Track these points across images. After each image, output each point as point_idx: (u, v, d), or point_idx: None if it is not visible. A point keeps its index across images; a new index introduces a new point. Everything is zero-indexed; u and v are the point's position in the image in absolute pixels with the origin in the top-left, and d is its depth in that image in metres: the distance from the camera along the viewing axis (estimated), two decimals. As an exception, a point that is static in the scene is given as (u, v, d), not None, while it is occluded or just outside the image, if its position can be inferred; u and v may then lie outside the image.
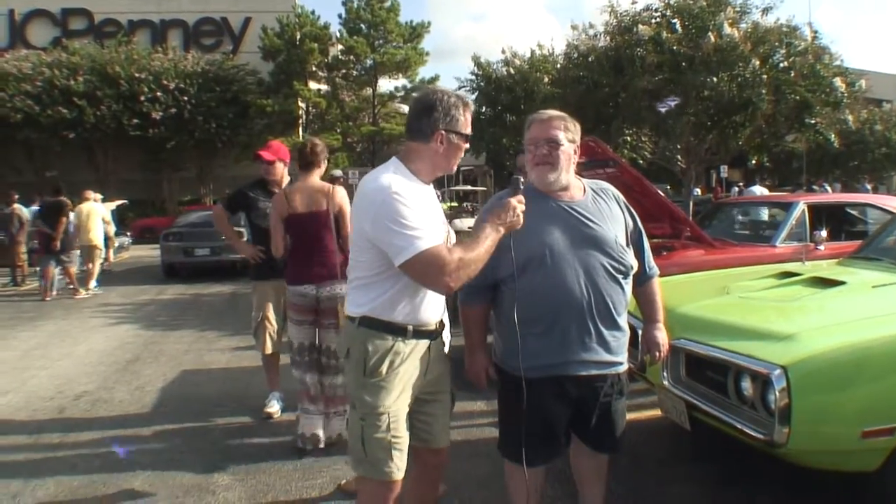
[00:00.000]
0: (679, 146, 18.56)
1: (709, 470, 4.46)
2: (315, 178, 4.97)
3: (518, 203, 2.81)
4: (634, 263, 3.20)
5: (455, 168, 2.98)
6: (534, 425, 3.03)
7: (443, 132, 2.80)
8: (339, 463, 4.63)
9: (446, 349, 3.18)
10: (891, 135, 34.90)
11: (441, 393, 3.07)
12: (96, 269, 14.51)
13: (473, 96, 27.11)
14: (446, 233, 2.90)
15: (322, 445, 4.86)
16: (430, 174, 2.88)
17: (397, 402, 2.80)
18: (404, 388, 2.83)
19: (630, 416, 5.29)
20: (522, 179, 2.91)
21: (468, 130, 2.88)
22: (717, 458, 4.58)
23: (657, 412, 4.62)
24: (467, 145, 2.94)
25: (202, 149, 33.64)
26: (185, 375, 7.22)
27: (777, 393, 3.17)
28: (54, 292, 13.54)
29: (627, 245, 3.19)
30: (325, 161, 5.07)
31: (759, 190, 19.61)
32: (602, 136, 14.44)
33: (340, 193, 4.92)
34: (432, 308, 2.89)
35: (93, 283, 14.29)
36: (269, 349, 5.60)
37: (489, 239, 2.73)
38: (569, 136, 3.06)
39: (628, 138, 18.54)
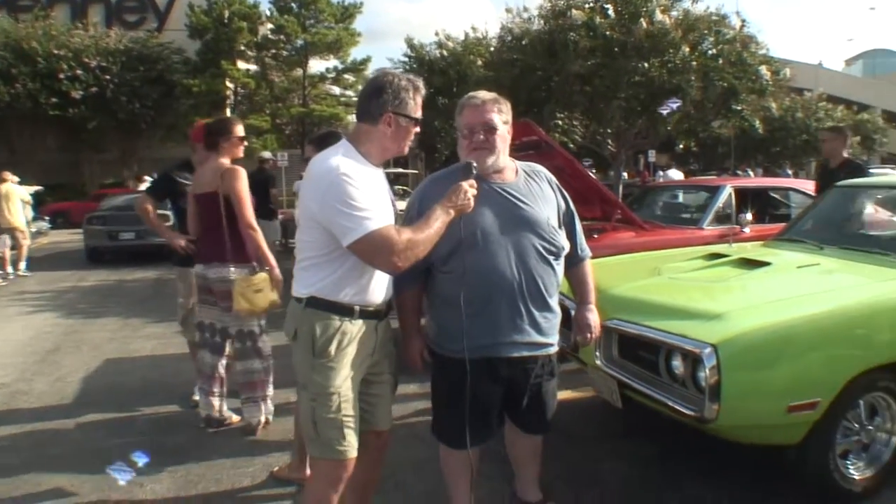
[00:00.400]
0: (610, 130, 18.79)
1: (640, 447, 4.54)
2: (217, 158, 4.81)
3: (470, 187, 2.83)
4: (566, 244, 3.22)
5: (406, 151, 2.98)
6: (467, 407, 3.03)
7: (391, 114, 2.79)
8: (271, 450, 4.58)
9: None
10: (811, 122, 35.99)
11: (385, 374, 3.07)
12: (24, 252, 14.16)
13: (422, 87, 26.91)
14: (395, 216, 2.89)
15: (220, 427, 4.87)
16: (379, 156, 2.88)
17: (347, 382, 2.80)
18: (353, 369, 2.83)
19: (563, 395, 5.35)
20: (475, 164, 2.92)
21: (418, 114, 2.87)
22: (648, 434, 4.66)
23: (590, 391, 4.67)
24: (418, 129, 2.92)
25: (125, 130, 32.29)
26: (108, 365, 6.99)
27: (707, 371, 3.24)
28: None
29: (559, 227, 3.21)
30: (232, 142, 4.87)
31: (675, 174, 20.01)
32: (534, 119, 14.44)
33: (232, 175, 4.71)
34: (379, 289, 2.88)
35: (22, 265, 14.02)
36: (196, 336, 5.47)
37: (439, 221, 2.75)
38: (503, 118, 3.07)
39: (560, 122, 18.65)
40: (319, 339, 2.76)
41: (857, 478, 3.71)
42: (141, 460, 4.16)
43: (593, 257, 4.02)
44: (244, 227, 4.66)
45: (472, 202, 2.83)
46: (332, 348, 2.77)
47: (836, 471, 3.62)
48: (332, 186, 2.61)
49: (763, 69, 17.34)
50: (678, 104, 15.87)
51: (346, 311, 2.79)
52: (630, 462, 4.31)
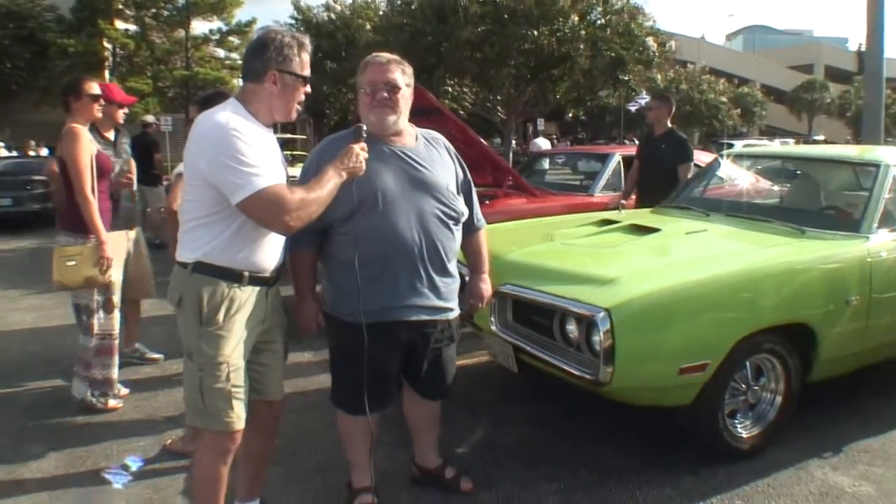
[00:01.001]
0: (500, 98, 18.89)
1: (536, 411, 4.54)
2: (69, 121, 4.51)
3: (361, 150, 2.77)
4: (465, 211, 3.22)
5: (295, 113, 2.85)
6: (365, 373, 2.98)
7: (275, 72, 2.69)
8: (163, 424, 4.38)
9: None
10: (694, 94, 37.23)
11: (275, 343, 2.96)
12: None
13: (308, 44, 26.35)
14: (284, 177, 2.76)
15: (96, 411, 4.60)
16: (268, 116, 2.76)
17: (235, 351, 2.69)
18: (242, 337, 2.71)
19: (459, 361, 5.34)
20: (365, 128, 2.86)
21: (306, 72, 2.77)
22: (543, 399, 4.67)
23: (485, 356, 4.65)
24: (307, 88, 2.82)
25: (-5, 92, 30.68)
26: (-16, 339, 6.55)
27: (601, 334, 3.26)
28: None
29: (458, 193, 3.20)
30: (83, 102, 4.52)
31: (543, 142, 20.36)
32: (424, 84, 14.36)
33: (67, 138, 4.42)
34: (269, 254, 2.76)
35: None
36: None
37: (331, 182, 2.68)
38: (406, 79, 3.04)
39: (450, 88, 18.62)
40: (207, 306, 2.63)
41: (744, 436, 3.82)
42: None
43: (487, 223, 3.96)
44: (76, 194, 4.37)
45: (363, 165, 2.78)
46: (221, 316, 2.64)
47: (725, 430, 3.72)
48: (221, 141, 2.49)
49: (650, 41, 17.75)
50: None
51: (234, 276, 2.66)
52: (527, 426, 4.31)
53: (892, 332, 4.25)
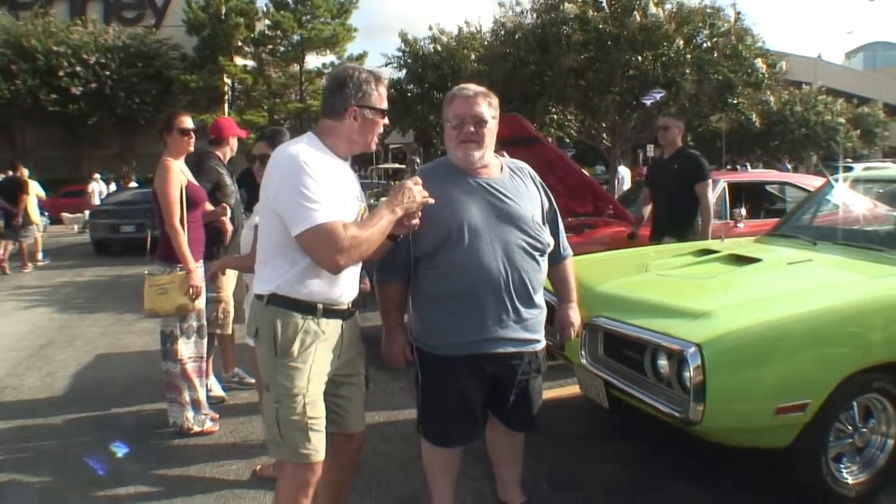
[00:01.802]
0: (604, 125, 18.70)
1: (627, 447, 4.43)
2: (165, 153, 4.71)
3: (414, 185, 2.76)
4: (551, 241, 3.19)
5: (373, 145, 2.91)
6: (452, 405, 3.00)
7: (355, 108, 2.74)
8: (255, 448, 4.47)
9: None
10: (809, 116, 35.91)
11: (355, 376, 2.99)
12: (40, 243, 15.06)
13: (401, 73, 26.82)
14: (361, 210, 2.82)
15: (194, 434, 4.74)
16: (346, 150, 2.82)
17: (312, 383, 2.71)
18: (318, 369, 2.74)
19: (549, 394, 5.24)
20: (418, 161, 2.83)
21: (383, 105, 2.82)
22: (635, 435, 4.55)
23: (576, 390, 4.56)
24: (385, 120, 2.87)
25: (124, 126, 32.44)
26: (99, 360, 6.93)
27: (692, 370, 3.13)
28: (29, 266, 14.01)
29: (543, 223, 3.17)
30: (174, 136, 4.69)
31: (624, 171, 19.90)
32: (528, 114, 14.42)
33: (158, 171, 4.62)
34: (344, 286, 2.80)
35: (40, 255, 14.93)
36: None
37: (384, 220, 2.67)
38: (492, 112, 3.04)
39: (554, 116, 18.55)
40: (281, 339, 2.67)
41: (850, 482, 3.58)
42: (120, 450, 4.07)
43: (585, 252, 3.93)
44: (165, 225, 4.55)
45: (417, 198, 2.74)
46: (295, 348, 2.67)
47: (828, 475, 3.49)
48: (290, 174, 2.56)
49: (759, 62, 17.25)
50: (662, 94, 15.78)
51: (308, 308, 2.70)
52: (616, 463, 4.20)
53: None
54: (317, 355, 2.72)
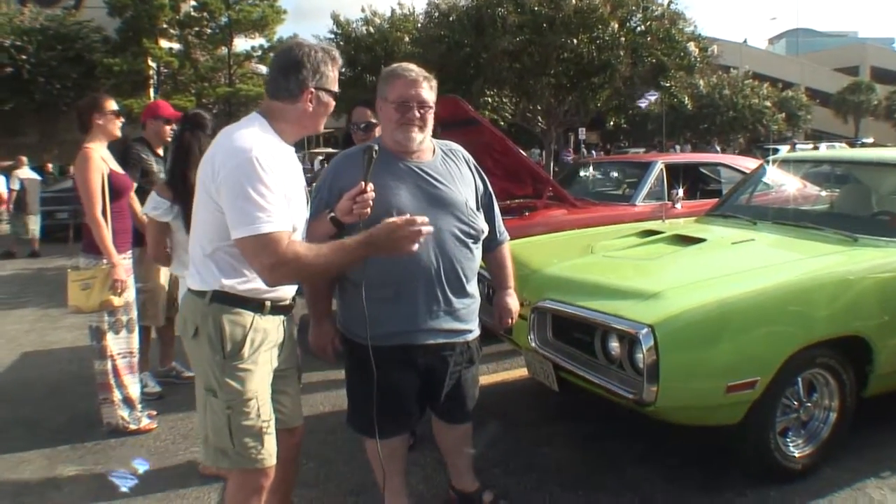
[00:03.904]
0: (539, 107, 18.75)
1: (578, 429, 4.42)
2: (87, 139, 4.46)
3: (407, 224, 2.49)
4: (485, 228, 3.09)
5: (322, 128, 2.75)
6: (383, 396, 2.86)
7: (313, 90, 2.55)
8: (197, 445, 4.28)
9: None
10: (738, 99, 36.73)
11: (290, 369, 2.86)
12: None
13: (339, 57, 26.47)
14: (304, 202, 2.67)
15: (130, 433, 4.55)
16: (295, 135, 2.65)
17: (262, 384, 2.58)
18: (267, 369, 2.61)
19: (497, 377, 5.27)
20: (377, 147, 2.67)
21: (336, 87, 2.65)
22: (584, 417, 4.55)
23: (524, 373, 4.56)
24: (334, 103, 2.71)
25: (43, 112, 31.03)
26: (25, 358, 6.62)
27: (645, 352, 3.14)
28: None
29: (478, 209, 3.08)
30: (107, 118, 4.48)
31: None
32: (463, 96, 14.33)
33: (77, 160, 4.38)
34: None
35: None
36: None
37: (348, 256, 2.46)
38: (433, 95, 2.94)
39: (489, 99, 18.52)
40: (230, 339, 2.49)
41: (796, 455, 3.66)
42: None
43: (525, 235, 3.87)
44: (87, 218, 4.32)
45: (406, 243, 2.49)
46: (246, 349, 2.52)
47: (776, 449, 3.56)
48: (240, 171, 2.33)
49: (691, 46, 17.50)
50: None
51: (257, 306, 2.55)
52: (566, 446, 4.19)
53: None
54: (265, 354, 2.59)
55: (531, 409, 4.86)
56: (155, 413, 4.76)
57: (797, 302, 3.50)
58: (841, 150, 13.73)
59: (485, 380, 5.16)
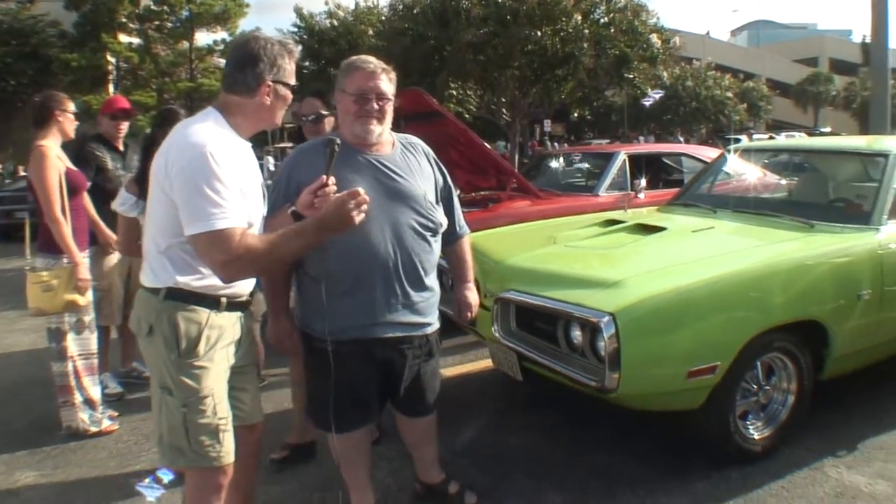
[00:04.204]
0: (504, 99, 18.80)
1: (544, 418, 4.45)
2: (40, 137, 4.38)
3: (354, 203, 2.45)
4: (444, 221, 3.09)
5: (280, 122, 2.73)
6: (341, 390, 2.88)
7: (270, 83, 2.52)
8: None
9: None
10: (700, 90, 37.10)
11: (249, 365, 2.82)
12: None
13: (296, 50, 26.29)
14: (260, 198, 2.63)
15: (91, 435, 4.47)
16: (251, 129, 2.61)
17: (219, 382, 2.55)
18: (224, 366, 2.58)
19: (461, 369, 5.29)
20: (339, 141, 2.64)
21: (294, 80, 2.63)
22: (551, 406, 4.58)
23: (489, 364, 4.59)
24: (291, 96, 2.69)
25: (-2, 109, 30.54)
26: (-20, 361, 6.46)
27: (606, 340, 3.17)
28: None
29: (437, 202, 3.08)
30: (66, 116, 4.43)
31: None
32: (427, 89, 14.31)
33: (32, 158, 4.31)
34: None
35: None
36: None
37: (299, 242, 2.45)
38: (392, 88, 2.93)
39: (454, 92, 18.53)
40: (185, 337, 2.46)
41: (756, 437, 3.74)
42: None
43: (490, 226, 3.87)
44: (46, 217, 4.23)
45: (354, 216, 2.43)
46: (202, 346, 2.48)
47: (736, 432, 3.63)
48: (194, 166, 2.30)
49: (654, 38, 17.64)
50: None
51: (212, 302, 2.51)
52: (534, 435, 4.22)
53: (905, 325, 4.14)
54: (221, 351, 2.56)
55: (496, 399, 4.88)
56: (116, 414, 4.70)
57: (755, 288, 3.56)
58: (799, 140, 13.93)
59: (450, 372, 5.22)
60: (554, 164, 9.66)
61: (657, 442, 4.04)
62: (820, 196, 5.19)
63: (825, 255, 3.88)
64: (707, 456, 3.75)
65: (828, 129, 43.56)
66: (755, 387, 3.73)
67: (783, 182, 5.93)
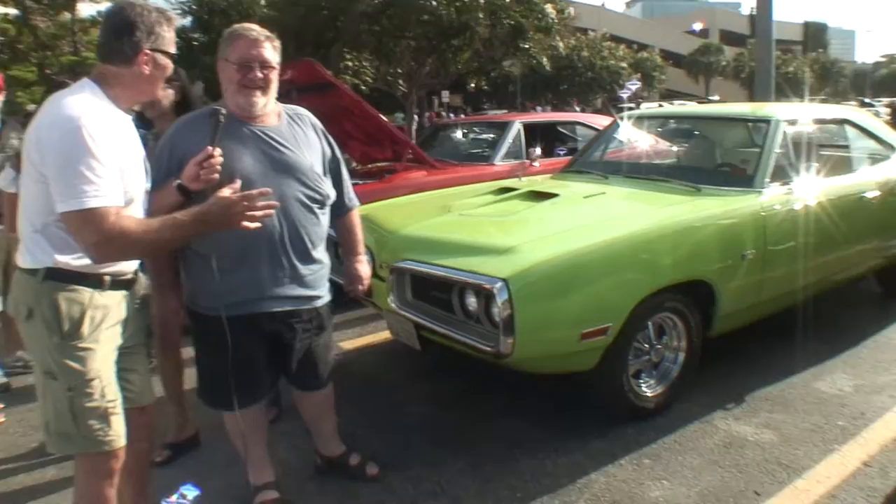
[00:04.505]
0: (400, 70, 18.68)
1: (444, 386, 4.47)
2: None
3: (240, 198, 2.42)
4: (332, 193, 3.03)
5: (159, 93, 2.66)
6: (230, 368, 2.81)
7: (148, 52, 2.40)
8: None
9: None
10: (595, 61, 37.72)
11: (138, 345, 2.71)
12: None
13: (186, 21, 25.45)
14: (142, 173, 2.51)
15: None
16: (131, 100, 2.49)
17: (106, 363, 2.43)
18: (110, 347, 2.46)
19: (359, 341, 5.25)
20: (224, 111, 2.57)
21: (174, 49, 2.51)
22: (451, 375, 4.60)
23: (387, 335, 4.58)
24: (172, 66, 2.57)
25: None
26: None
27: (500, 305, 3.19)
28: None
29: (325, 174, 3.02)
30: None
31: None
32: (322, 60, 14.07)
33: None
34: None
35: None
36: None
37: (181, 231, 2.37)
38: (277, 56, 2.83)
39: (350, 63, 18.29)
40: (67, 318, 2.34)
41: (649, 395, 3.85)
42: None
43: (387, 197, 3.82)
44: None
45: (241, 219, 2.41)
46: (85, 328, 2.36)
47: (630, 391, 3.73)
48: (67, 140, 2.18)
49: (549, 8, 17.77)
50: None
51: (95, 281, 2.39)
52: (434, 404, 4.23)
53: (786, 283, 4.33)
54: (107, 332, 2.45)
55: (396, 370, 4.87)
56: (2, 406, 4.48)
57: (644, 250, 3.64)
58: (687, 107, 14.34)
59: (349, 344, 5.19)
60: (450, 134, 9.66)
61: (554, 404, 4.11)
62: (707, 161, 5.35)
63: (711, 217, 3.99)
64: (602, 415, 3.84)
65: (716, 98, 45.07)
66: (647, 346, 3.84)
67: (674, 149, 6.08)
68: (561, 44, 25.06)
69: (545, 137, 8.38)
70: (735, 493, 3.21)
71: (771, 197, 4.25)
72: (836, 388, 4.23)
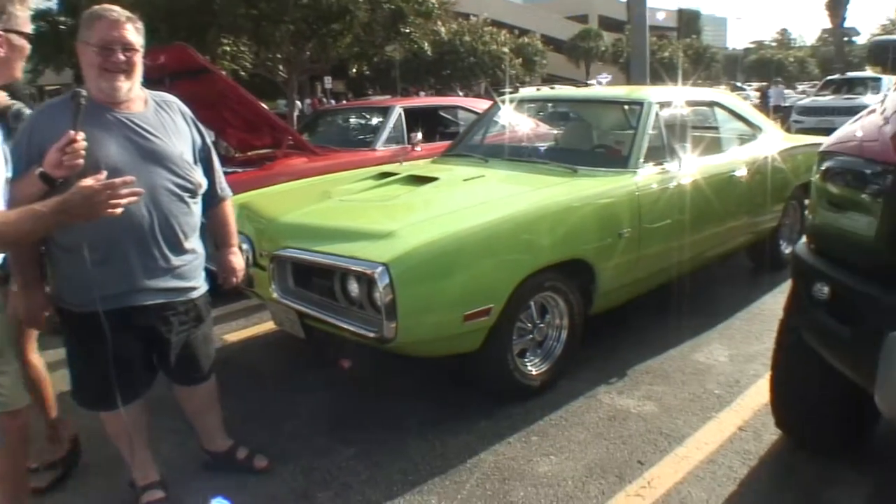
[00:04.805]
0: (280, 56, 18.30)
1: (330, 375, 4.40)
2: None
3: (103, 188, 2.29)
4: (203, 182, 2.92)
5: (20, 74, 2.51)
6: (104, 366, 2.68)
7: (2, 33, 2.29)
8: None
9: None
10: (477, 45, 38.00)
11: (6, 346, 2.52)
12: None
13: (52, 3, 24.20)
14: (1, 159, 2.37)
15: None
16: None
17: None
18: None
19: (246, 333, 5.15)
20: (84, 93, 2.44)
21: (29, 28, 2.40)
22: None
23: (272, 325, 4.54)
24: (30, 46, 2.47)
25: None
26: None
27: (381, 290, 3.17)
28: None
29: (195, 163, 2.91)
30: None
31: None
32: (198, 46, 13.60)
33: None
34: None
35: None
36: None
37: (36, 222, 2.22)
38: (141, 39, 2.70)
39: (227, 48, 17.76)
40: None
41: (534, 373, 3.91)
42: None
43: (266, 186, 3.69)
44: None
45: (105, 208, 2.30)
46: None
47: (515, 370, 3.78)
48: None
49: (429, -8, 17.74)
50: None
51: None
52: (321, 393, 4.17)
53: (662, 260, 4.48)
54: None
55: (281, 361, 4.78)
56: None
57: (523, 231, 3.68)
58: (565, 91, 14.62)
59: (232, 336, 5.08)
60: (331, 120, 9.55)
61: (441, 387, 4.13)
62: (584, 143, 5.46)
63: (588, 197, 4.07)
64: (489, 395, 3.88)
65: (593, 82, 46.18)
66: (530, 325, 3.89)
67: (553, 131, 6.19)
68: (443, 29, 25.14)
69: (427, 122, 8.37)
70: (620, 463, 3.31)
71: (645, 177, 4.37)
72: (713, 359, 4.42)
